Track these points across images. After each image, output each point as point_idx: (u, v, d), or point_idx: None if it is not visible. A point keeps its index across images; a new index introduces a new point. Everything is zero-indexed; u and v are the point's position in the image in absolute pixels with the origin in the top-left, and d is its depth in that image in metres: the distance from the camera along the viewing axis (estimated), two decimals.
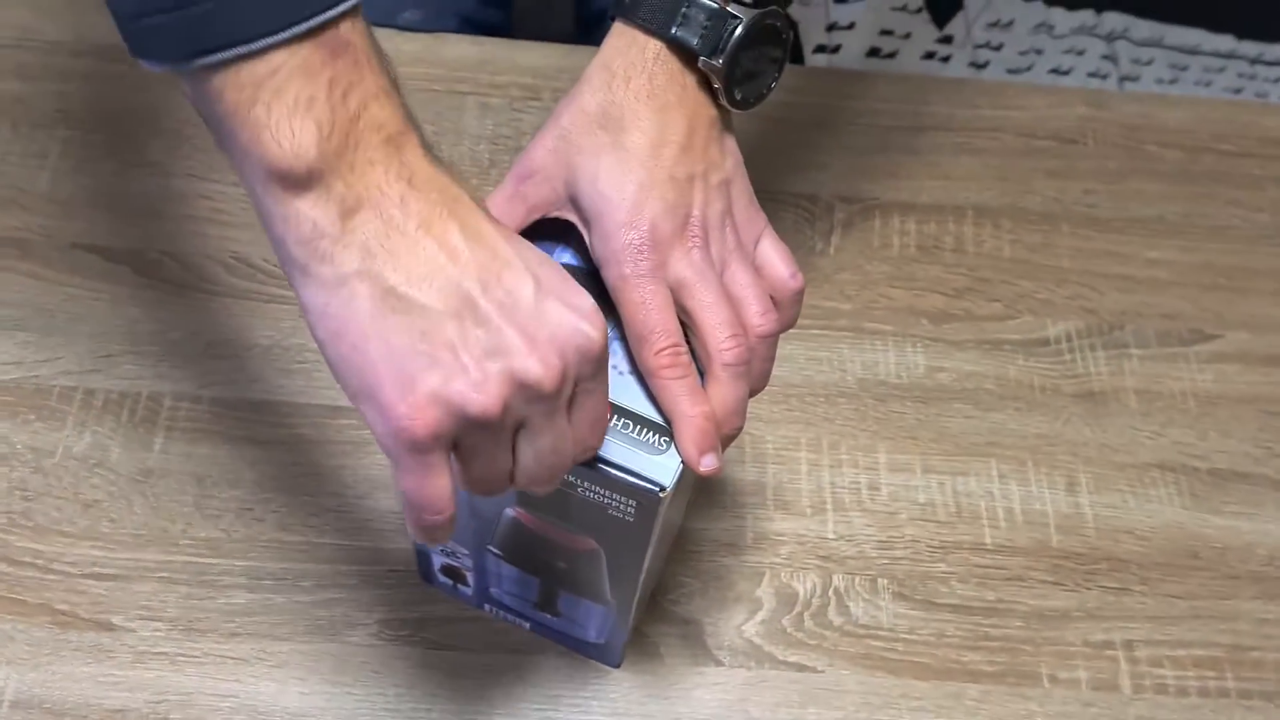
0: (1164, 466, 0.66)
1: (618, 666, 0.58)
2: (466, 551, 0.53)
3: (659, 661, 0.58)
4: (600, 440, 0.41)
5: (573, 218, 0.44)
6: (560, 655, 0.58)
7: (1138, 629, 0.61)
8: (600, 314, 0.37)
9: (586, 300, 0.37)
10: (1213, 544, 0.64)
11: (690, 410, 0.42)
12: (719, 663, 0.58)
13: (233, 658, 0.56)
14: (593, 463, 0.42)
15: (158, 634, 0.57)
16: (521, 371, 0.35)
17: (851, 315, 0.70)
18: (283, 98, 0.33)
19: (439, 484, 0.36)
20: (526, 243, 0.38)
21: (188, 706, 0.55)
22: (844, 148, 0.77)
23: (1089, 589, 0.62)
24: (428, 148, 0.37)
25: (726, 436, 0.44)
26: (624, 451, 0.42)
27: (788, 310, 0.46)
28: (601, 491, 0.43)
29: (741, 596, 0.60)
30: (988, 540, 0.63)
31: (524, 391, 0.35)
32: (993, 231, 0.75)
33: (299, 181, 0.34)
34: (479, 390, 0.34)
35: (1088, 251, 0.74)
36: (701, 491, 0.63)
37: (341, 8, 0.34)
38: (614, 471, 0.42)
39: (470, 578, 0.55)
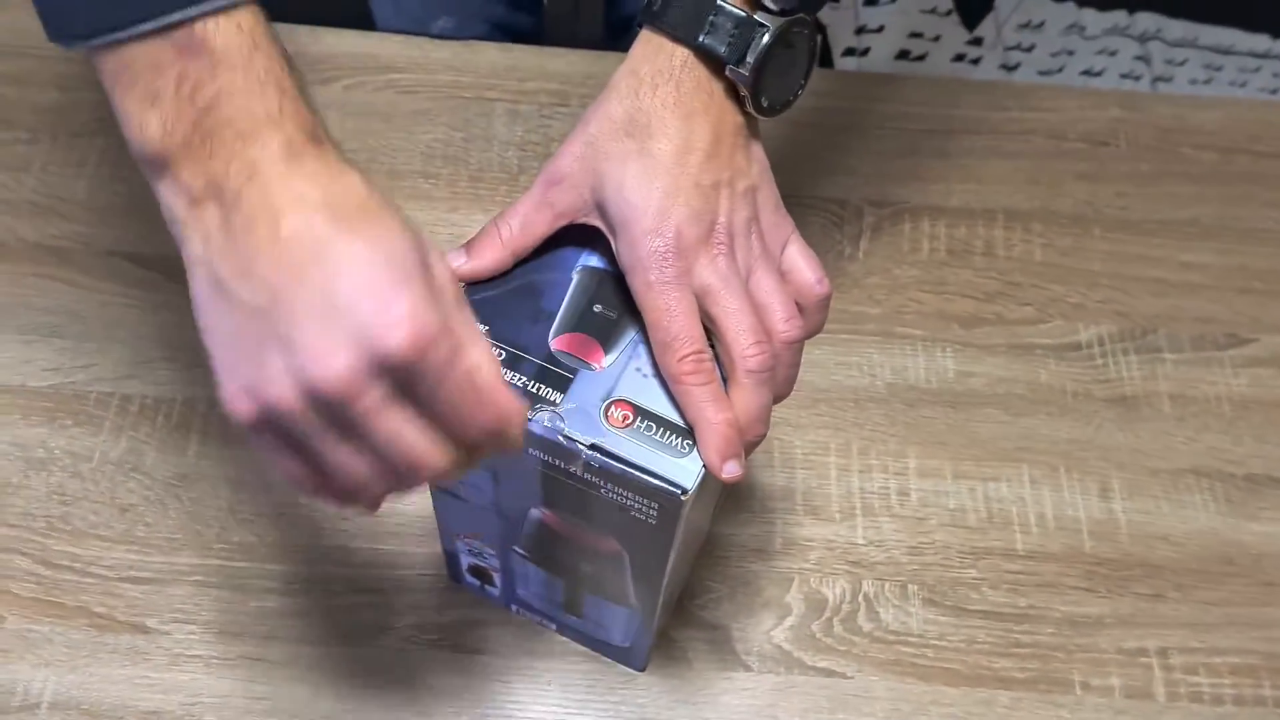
0: (1198, 472, 0.66)
1: (643, 670, 0.58)
2: (493, 552, 0.53)
3: (686, 666, 0.58)
4: (498, 425, 0.38)
5: (599, 224, 0.44)
6: (588, 660, 0.58)
7: (1172, 636, 0.61)
8: (421, 314, 0.35)
9: (400, 306, 0.35)
10: (1248, 550, 0.63)
11: (714, 417, 0.42)
12: (747, 668, 0.58)
13: (266, 661, 0.57)
14: (615, 463, 0.42)
15: (192, 637, 0.57)
16: (308, 369, 0.35)
17: (881, 320, 0.70)
18: (134, 90, 0.36)
19: (284, 464, 0.38)
20: (373, 235, 0.36)
21: (222, 709, 0.56)
22: (873, 151, 0.77)
23: (1122, 595, 0.62)
24: (294, 142, 0.36)
25: (750, 443, 0.44)
26: (646, 454, 0.42)
27: (814, 316, 0.46)
28: (623, 493, 0.43)
29: (770, 602, 0.60)
30: (1019, 546, 0.63)
31: (315, 393, 0.35)
32: (1023, 235, 0.74)
33: (154, 168, 0.36)
34: (274, 385, 0.35)
35: (1120, 255, 0.74)
36: (730, 497, 0.63)
37: (196, 9, 0.35)
38: (636, 473, 0.42)
39: (497, 578, 0.56)
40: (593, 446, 0.42)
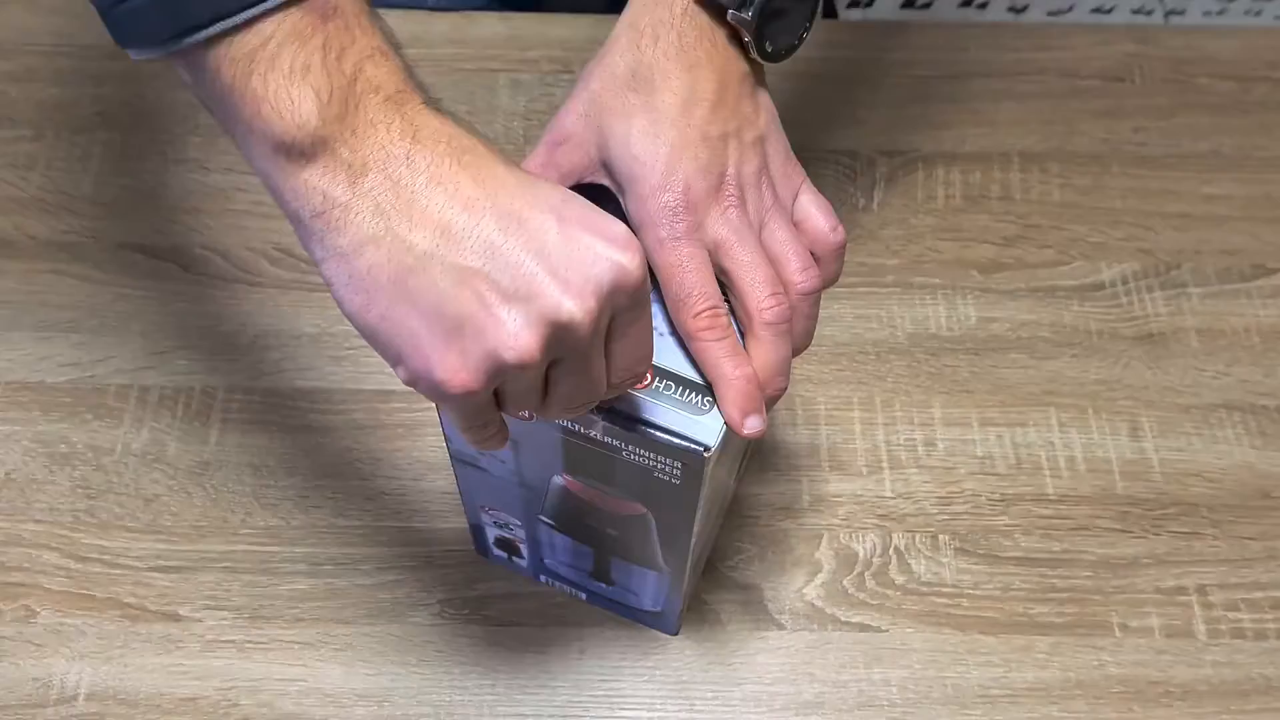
0: (1230, 406, 0.65)
1: (676, 634, 0.57)
2: (519, 523, 0.53)
3: (720, 628, 0.58)
4: (646, 366, 0.39)
5: (607, 182, 0.44)
6: (621, 626, 0.58)
7: (1210, 573, 0.60)
8: (635, 238, 0.35)
9: (617, 227, 0.35)
10: None
11: (732, 372, 0.41)
12: (781, 627, 0.58)
13: (298, 642, 0.57)
14: (635, 425, 0.42)
15: (224, 622, 0.57)
16: (553, 313, 0.33)
17: (899, 270, 0.69)
18: (277, 67, 0.33)
19: (489, 426, 0.37)
20: (547, 181, 0.36)
21: (257, 692, 0.56)
22: (882, 101, 0.76)
23: (1158, 535, 0.61)
24: (431, 103, 0.35)
25: (770, 397, 0.43)
26: (667, 413, 0.42)
27: (830, 265, 0.45)
28: (646, 454, 0.43)
29: (801, 560, 0.60)
30: (1050, 491, 0.62)
31: (559, 332, 0.34)
32: (1040, 177, 0.73)
33: (304, 152, 0.33)
34: (514, 339, 0.33)
35: (1140, 191, 0.72)
36: (755, 456, 0.63)
37: None
38: (657, 433, 0.42)
39: (524, 549, 0.55)
40: (611, 409, 0.42)
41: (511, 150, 0.73)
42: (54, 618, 0.57)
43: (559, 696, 0.56)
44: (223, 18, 0.32)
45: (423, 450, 0.62)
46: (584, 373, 0.36)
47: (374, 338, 0.35)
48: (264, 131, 0.33)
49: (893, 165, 0.73)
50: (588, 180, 0.44)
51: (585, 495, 0.48)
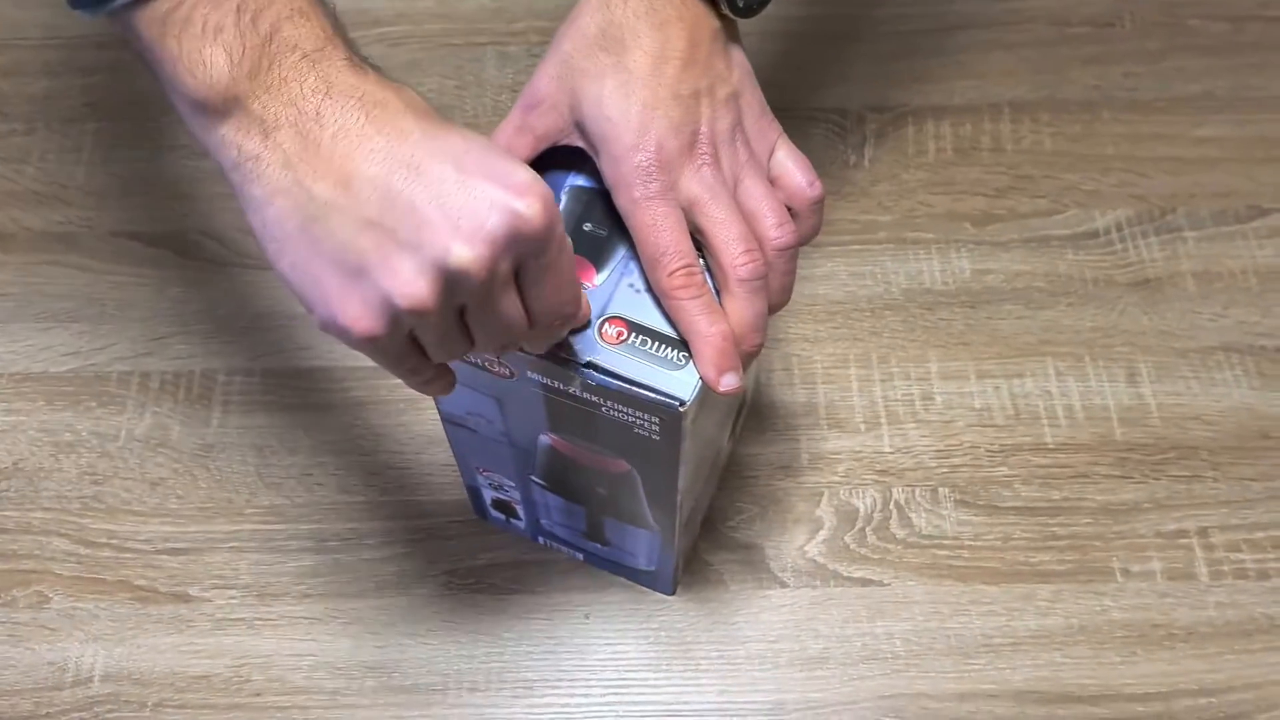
0: (1228, 348, 0.64)
1: (672, 593, 0.58)
2: (513, 484, 0.53)
3: (723, 588, 0.58)
4: (576, 308, 0.40)
5: (581, 144, 0.44)
6: (624, 590, 0.58)
7: (1211, 515, 0.60)
8: (541, 184, 0.35)
9: (520, 174, 0.35)
10: None
11: (707, 330, 0.41)
12: (784, 585, 0.58)
13: (307, 618, 0.58)
14: (607, 380, 0.42)
15: (233, 601, 0.58)
16: (446, 259, 0.34)
17: (891, 226, 0.69)
18: (190, 29, 0.34)
19: (410, 366, 0.38)
20: (461, 133, 0.36)
21: (269, 667, 0.56)
22: (869, 57, 0.75)
23: (1157, 479, 0.61)
24: (355, 62, 0.36)
25: (746, 354, 0.43)
26: (643, 368, 0.42)
27: (807, 220, 0.45)
28: (624, 410, 0.43)
29: (801, 518, 0.60)
30: (1049, 439, 0.62)
31: (453, 278, 0.35)
32: (1031, 126, 0.72)
33: (218, 109, 0.35)
34: (407, 285, 0.34)
35: (1132, 137, 0.72)
36: (753, 416, 0.63)
37: None
38: (633, 388, 0.42)
39: (521, 511, 0.56)
40: (588, 364, 0.42)
41: (499, 122, 0.73)
42: (66, 602, 0.58)
43: (565, 661, 0.57)
44: None
45: (423, 424, 0.63)
46: (493, 315, 0.37)
47: (288, 285, 0.36)
48: (181, 90, 0.35)
49: (882, 121, 0.73)
50: (564, 143, 0.44)
51: (572, 454, 0.48)
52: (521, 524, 0.58)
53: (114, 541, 0.60)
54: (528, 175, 0.35)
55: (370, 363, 0.64)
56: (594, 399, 0.43)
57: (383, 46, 0.76)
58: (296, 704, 0.55)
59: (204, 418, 0.63)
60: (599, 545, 0.56)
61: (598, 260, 0.44)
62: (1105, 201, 0.69)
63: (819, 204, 0.45)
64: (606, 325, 0.43)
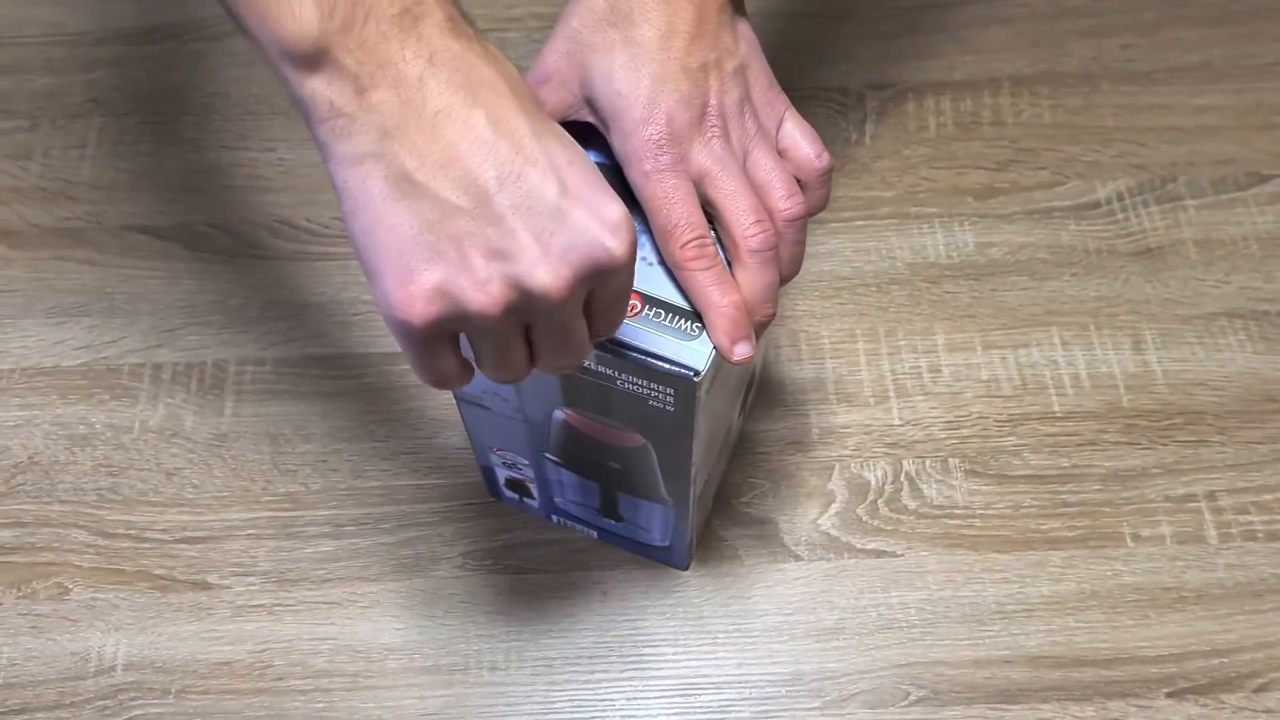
0: (1232, 314, 0.65)
1: (686, 568, 0.58)
2: (527, 462, 0.54)
3: (738, 563, 0.59)
4: (617, 329, 0.40)
5: (592, 119, 0.44)
6: (640, 567, 0.59)
7: (1219, 479, 0.60)
8: (630, 225, 0.35)
9: (615, 209, 0.35)
10: None
11: (719, 300, 0.42)
12: (798, 558, 0.59)
13: (326, 603, 0.58)
14: (622, 352, 0.42)
15: (252, 588, 0.59)
16: (527, 279, 0.34)
17: (895, 202, 0.69)
18: None
19: (441, 365, 0.37)
20: (562, 138, 0.36)
21: (290, 652, 0.57)
22: (868, 35, 0.76)
23: (1165, 445, 0.61)
24: (456, 22, 0.34)
25: (759, 324, 0.43)
26: (657, 339, 0.42)
27: (816, 192, 0.45)
28: (639, 382, 0.43)
29: (813, 492, 0.61)
30: (1056, 408, 0.63)
31: (528, 299, 0.34)
32: (1031, 100, 0.73)
33: (308, 60, 0.33)
34: (480, 290, 0.34)
35: (1131, 108, 0.72)
36: (762, 392, 0.63)
37: None
38: (648, 359, 0.42)
39: (534, 489, 0.56)
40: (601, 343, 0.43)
41: None
42: (86, 593, 0.58)
43: (584, 638, 0.57)
44: None
45: (435, 409, 0.63)
46: (560, 337, 0.37)
47: (356, 247, 0.35)
48: (270, 37, 0.33)
49: (883, 98, 0.73)
50: (572, 118, 0.45)
51: (586, 429, 0.48)
52: (535, 503, 0.58)
53: (132, 532, 0.60)
54: (620, 212, 0.35)
55: (381, 349, 0.65)
56: (609, 372, 0.43)
57: None
58: (319, 687, 0.56)
59: (217, 407, 0.64)
60: (613, 522, 0.56)
61: None
62: (1106, 172, 0.70)
63: (826, 174, 0.45)
64: None
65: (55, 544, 0.60)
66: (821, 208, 0.46)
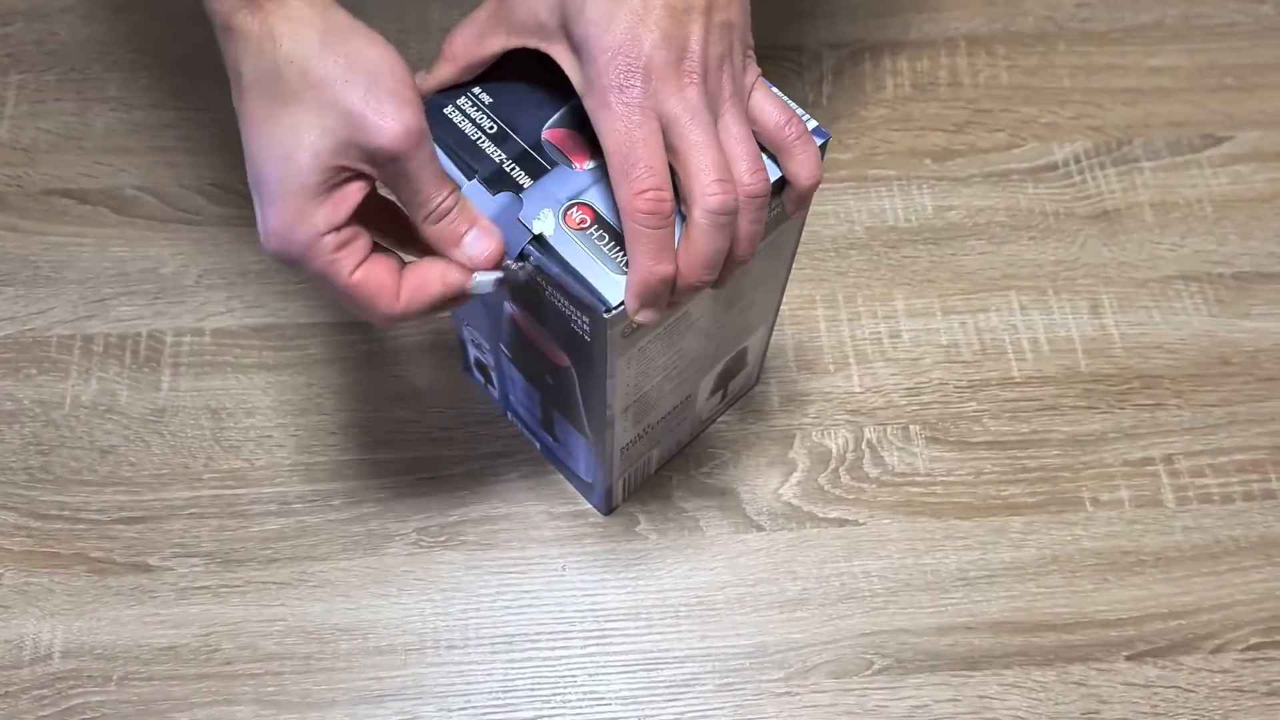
0: (1187, 277, 0.65)
1: (606, 514, 0.57)
2: (490, 348, 0.53)
3: (700, 534, 0.58)
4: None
5: (556, 49, 0.41)
6: (601, 541, 0.57)
7: (1176, 442, 0.61)
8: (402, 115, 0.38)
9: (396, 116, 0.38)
10: (1243, 348, 0.63)
11: (650, 265, 0.39)
12: (760, 528, 0.58)
13: (275, 583, 0.56)
14: (553, 260, 0.41)
15: (196, 569, 0.56)
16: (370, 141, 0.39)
17: (852, 164, 0.68)
18: None
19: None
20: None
21: (238, 635, 0.55)
22: None
23: (1123, 409, 0.61)
24: None
25: (691, 286, 0.41)
26: (586, 259, 0.40)
27: (798, 156, 0.42)
28: (561, 301, 0.42)
29: (775, 461, 0.60)
30: (1015, 373, 0.62)
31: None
32: (987, 60, 0.72)
33: None
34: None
35: (1087, 68, 0.72)
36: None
37: None
38: (567, 277, 0.40)
39: (495, 378, 0.55)
40: (537, 238, 0.41)
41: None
42: (19, 578, 0.56)
43: (544, 614, 0.56)
44: None
45: (382, 380, 0.61)
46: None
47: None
48: None
49: (839, 57, 0.72)
50: (534, 46, 0.42)
51: (527, 330, 0.47)
52: (495, 393, 0.57)
53: (65, 513, 0.57)
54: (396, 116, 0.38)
55: (325, 319, 0.62)
56: (539, 282, 0.42)
57: None
58: (269, 670, 0.54)
59: (153, 381, 0.61)
60: (550, 439, 0.55)
61: (595, 147, 0.42)
62: (1063, 134, 0.69)
63: (803, 140, 0.43)
64: (574, 209, 0.41)
65: None
66: (811, 179, 0.43)
